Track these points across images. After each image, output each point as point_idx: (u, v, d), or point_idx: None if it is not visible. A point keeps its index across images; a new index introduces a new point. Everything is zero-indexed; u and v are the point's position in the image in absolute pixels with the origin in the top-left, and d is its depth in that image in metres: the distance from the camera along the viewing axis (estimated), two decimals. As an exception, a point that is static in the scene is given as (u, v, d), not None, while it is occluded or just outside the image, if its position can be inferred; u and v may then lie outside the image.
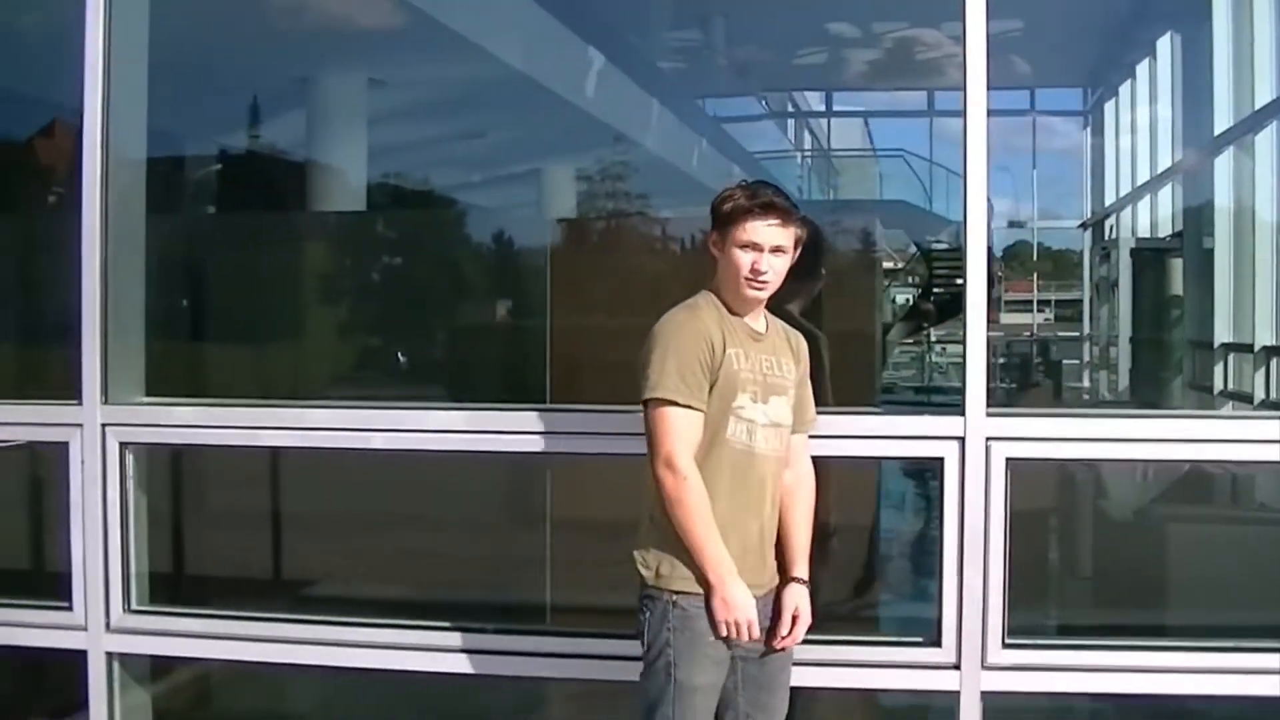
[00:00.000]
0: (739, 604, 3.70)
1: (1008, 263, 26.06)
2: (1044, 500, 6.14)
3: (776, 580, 3.96)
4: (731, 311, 3.85)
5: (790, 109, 19.64)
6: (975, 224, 4.69)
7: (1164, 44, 14.43)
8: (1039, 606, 6.17)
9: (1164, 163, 14.72)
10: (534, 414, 4.89)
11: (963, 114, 4.71)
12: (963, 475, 4.63)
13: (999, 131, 21.20)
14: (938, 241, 17.22)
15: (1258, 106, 11.90)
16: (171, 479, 5.73)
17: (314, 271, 7.42)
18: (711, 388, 3.73)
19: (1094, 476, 6.24)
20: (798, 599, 3.94)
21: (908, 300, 18.17)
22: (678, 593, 3.74)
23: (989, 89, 4.72)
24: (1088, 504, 6.40)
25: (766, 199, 3.81)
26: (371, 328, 7.55)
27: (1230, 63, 12.54)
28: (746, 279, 3.78)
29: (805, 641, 4.08)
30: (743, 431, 3.78)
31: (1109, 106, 17.19)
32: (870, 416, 4.84)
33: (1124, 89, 16.27)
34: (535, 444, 4.87)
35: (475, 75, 9.66)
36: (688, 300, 3.89)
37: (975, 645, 4.64)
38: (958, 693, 4.66)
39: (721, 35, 14.89)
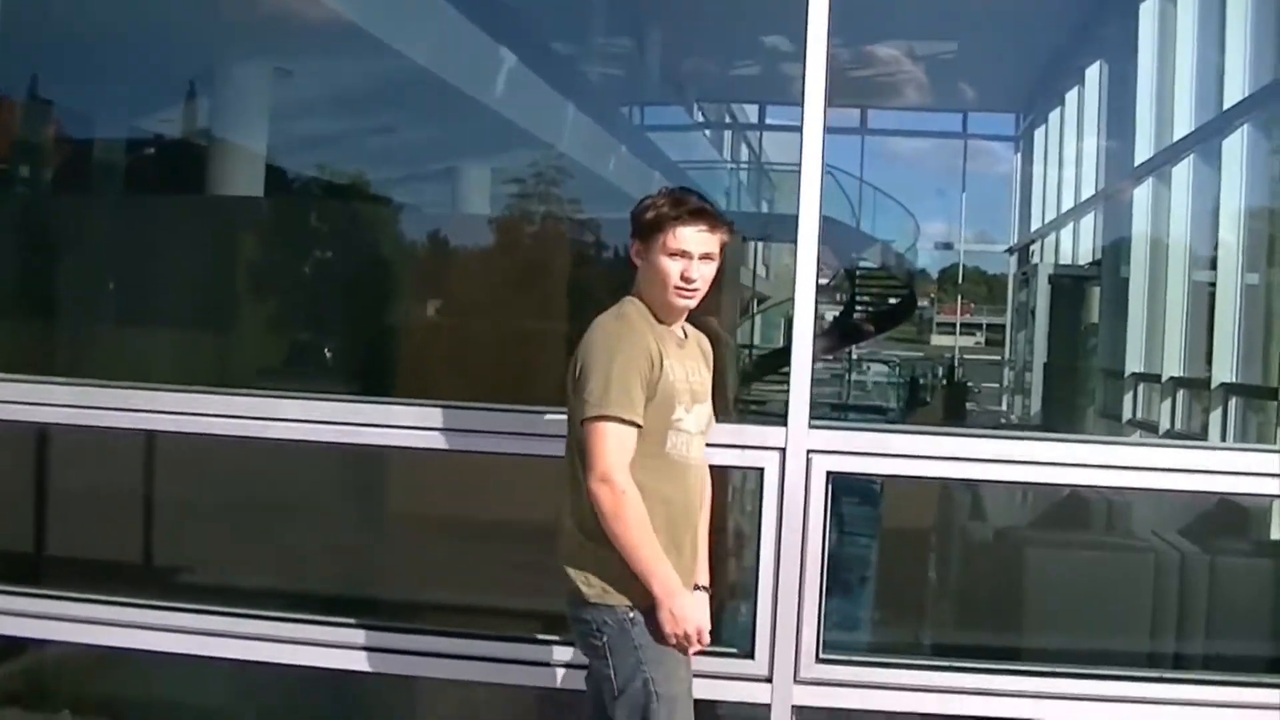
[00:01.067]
0: (689, 615, 3.66)
1: (941, 285, 26.10)
2: (919, 519, 6.15)
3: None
4: (658, 320, 3.81)
5: (724, 121, 19.62)
6: (806, 240, 4.67)
7: (1093, 72, 14.47)
8: (902, 624, 6.20)
9: (1088, 190, 14.79)
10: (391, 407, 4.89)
11: (800, 130, 4.70)
12: (782, 486, 4.60)
13: (936, 153, 21.48)
14: (863, 260, 17.27)
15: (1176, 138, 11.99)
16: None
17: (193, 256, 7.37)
18: (649, 401, 3.68)
19: (972, 497, 6.25)
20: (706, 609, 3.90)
21: (832, 317, 18.15)
22: (632, 606, 3.70)
23: (826, 106, 4.73)
24: (957, 524, 6.38)
25: (694, 205, 3.78)
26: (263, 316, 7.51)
27: (1153, 94, 12.61)
28: (677, 288, 3.74)
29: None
30: (681, 444, 3.77)
31: (1039, 133, 17.27)
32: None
33: (1054, 116, 16.34)
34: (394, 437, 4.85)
35: (386, 72, 9.58)
36: (614, 308, 3.84)
37: (788, 659, 4.64)
38: (769, 706, 4.63)
39: (655, 43, 14.95)
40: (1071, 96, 15.46)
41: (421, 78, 9.74)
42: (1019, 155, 18.48)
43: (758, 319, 21.34)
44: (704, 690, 4.60)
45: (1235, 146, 10.52)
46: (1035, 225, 17.32)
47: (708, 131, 19.50)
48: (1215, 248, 11.19)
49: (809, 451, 4.61)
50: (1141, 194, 13.08)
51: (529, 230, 9.61)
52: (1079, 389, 14.09)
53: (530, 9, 11.14)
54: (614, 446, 3.62)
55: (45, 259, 7.16)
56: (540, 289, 7.35)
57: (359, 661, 4.85)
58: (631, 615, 3.69)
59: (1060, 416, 14.23)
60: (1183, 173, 12.07)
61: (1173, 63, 12.13)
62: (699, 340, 4.02)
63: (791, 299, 4.63)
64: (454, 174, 12.15)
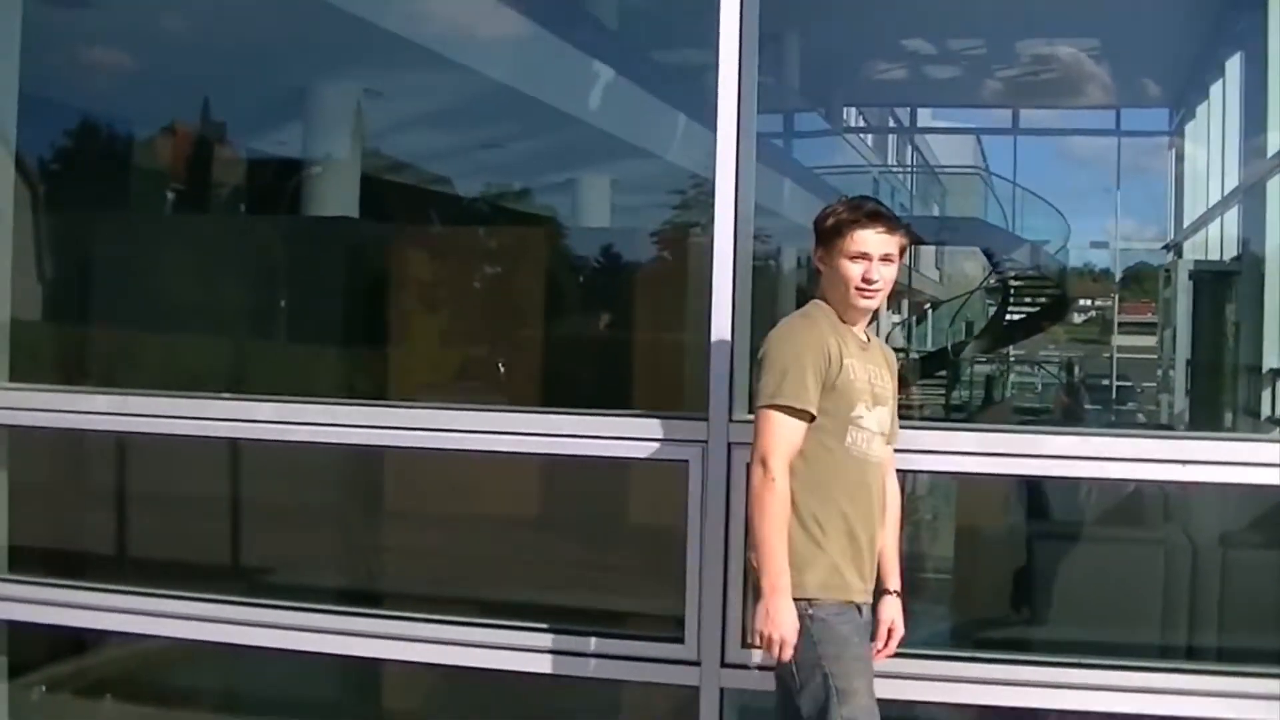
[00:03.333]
0: (782, 621, 3.71)
1: (1128, 285, 25.53)
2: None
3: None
4: (842, 320, 3.96)
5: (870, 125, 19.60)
6: (723, 237, 4.87)
7: (1233, 64, 14.13)
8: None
9: (1232, 184, 14.44)
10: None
11: (715, 130, 4.89)
12: (704, 478, 4.79)
13: (1119, 151, 21.03)
14: (1011, 261, 17.09)
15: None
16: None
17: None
18: (829, 394, 3.83)
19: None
20: (893, 612, 4.06)
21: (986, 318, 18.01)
22: (811, 601, 3.80)
23: (741, 104, 4.90)
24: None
25: (871, 208, 3.94)
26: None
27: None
28: (859, 289, 3.88)
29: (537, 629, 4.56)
30: (862, 440, 3.88)
31: (1190, 127, 16.86)
32: (616, 418, 5.03)
33: (1200, 109, 15.96)
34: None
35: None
36: (799, 310, 4.04)
37: (715, 643, 4.82)
38: (698, 688, 4.83)
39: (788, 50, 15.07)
40: (1216, 89, 15.09)
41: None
42: (1173, 151, 18.04)
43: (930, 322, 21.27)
44: (637, 672, 4.93)
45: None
46: (1188, 221, 16.92)
47: (868, 137, 19.52)
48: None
49: (730, 444, 4.78)
50: (1275, 185, 12.74)
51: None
52: (1221, 386, 13.74)
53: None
54: (778, 433, 3.80)
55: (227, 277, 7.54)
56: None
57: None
58: (810, 612, 3.78)
59: (1202, 415, 13.92)
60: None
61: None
62: (883, 347, 4.17)
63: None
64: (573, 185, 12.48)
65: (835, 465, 3.85)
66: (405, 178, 11.38)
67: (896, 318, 22.42)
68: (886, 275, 3.92)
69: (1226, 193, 14.66)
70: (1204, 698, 4.60)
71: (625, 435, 4.97)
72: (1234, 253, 14.55)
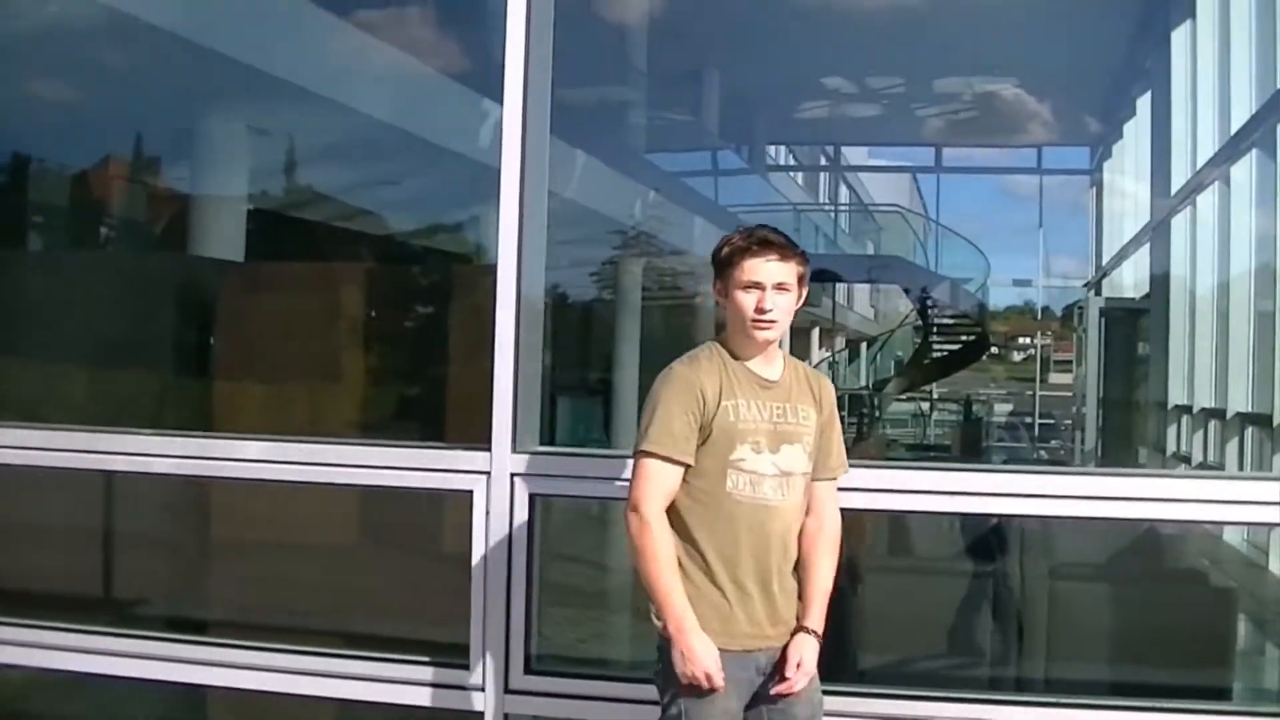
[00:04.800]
0: (696, 656, 3.61)
1: (1046, 321, 25.79)
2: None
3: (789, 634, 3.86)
4: (737, 357, 3.82)
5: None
6: (506, 267, 4.96)
7: (1143, 102, 14.35)
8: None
9: (1144, 221, 14.64)
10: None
11: (499, 151, 4.97)
12: (488, 509, 4.88)
13: (1041, 189, 21.26)
14: (929, 298, 17.25)
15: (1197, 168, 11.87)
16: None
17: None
18: (706, 440, 3.74)
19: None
20: (801, 649, 3.78)
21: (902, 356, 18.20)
22: None
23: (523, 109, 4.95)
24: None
25: (763, 236, 3.78)
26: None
27: (1189, 121, 12.49)
28: (753, 320, 3.74)
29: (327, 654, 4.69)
30: (745, 483, 3.74)
31: (1107, 165, 17.09)
32: (400, 448, 5.12)
33: (1117, 147, 16.18)
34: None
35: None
36: (692, 350, 3.90)
37: (499, 669, 4.91)
38: (482, 713, 4.92)
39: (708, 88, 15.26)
40: (1129, 128, 15.30)
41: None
42: (1093, 189, 18.25)
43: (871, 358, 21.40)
44: (425, 698, 4.99)
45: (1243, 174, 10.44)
46: (1107, 259, 17.13)
47: (798, 176, 19.67)
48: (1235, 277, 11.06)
49: (513, 475, 4.87)
50: (1178, 224, 12.94)
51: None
52: (1130, 422, 13.91)
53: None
54: (649, 479, 3.71)
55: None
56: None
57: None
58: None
59: (1113, 451, 14.07)
60: (1206, 203, 11.95)
61: (1195, 89, 12.03)
62: (809, 382, 3.96)
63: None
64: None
65: (716, 508, 3.74)
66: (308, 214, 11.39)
67: (825, 354, 22.68)
68: (782, 304, 3.77)
69: (1138, 230, 14.85)
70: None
71: (409, 465, 5.06)
72: (1145, 290, 14.74)
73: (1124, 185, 15.79)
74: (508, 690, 4.90)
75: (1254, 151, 10.00)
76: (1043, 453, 20.14)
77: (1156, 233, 13.59)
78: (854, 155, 21.28)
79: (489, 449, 4.90)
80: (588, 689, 4.93)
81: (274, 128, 9.63)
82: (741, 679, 3.75)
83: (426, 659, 5.05)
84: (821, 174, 20.61)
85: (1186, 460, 11.99)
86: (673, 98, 14.91)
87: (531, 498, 4.89)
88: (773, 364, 3.88)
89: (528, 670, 4.91)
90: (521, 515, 4.87)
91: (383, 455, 5.09)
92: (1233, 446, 10.56)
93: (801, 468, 3.84)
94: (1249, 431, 10.19)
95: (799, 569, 3.88)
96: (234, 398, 6.84)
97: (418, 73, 9.97)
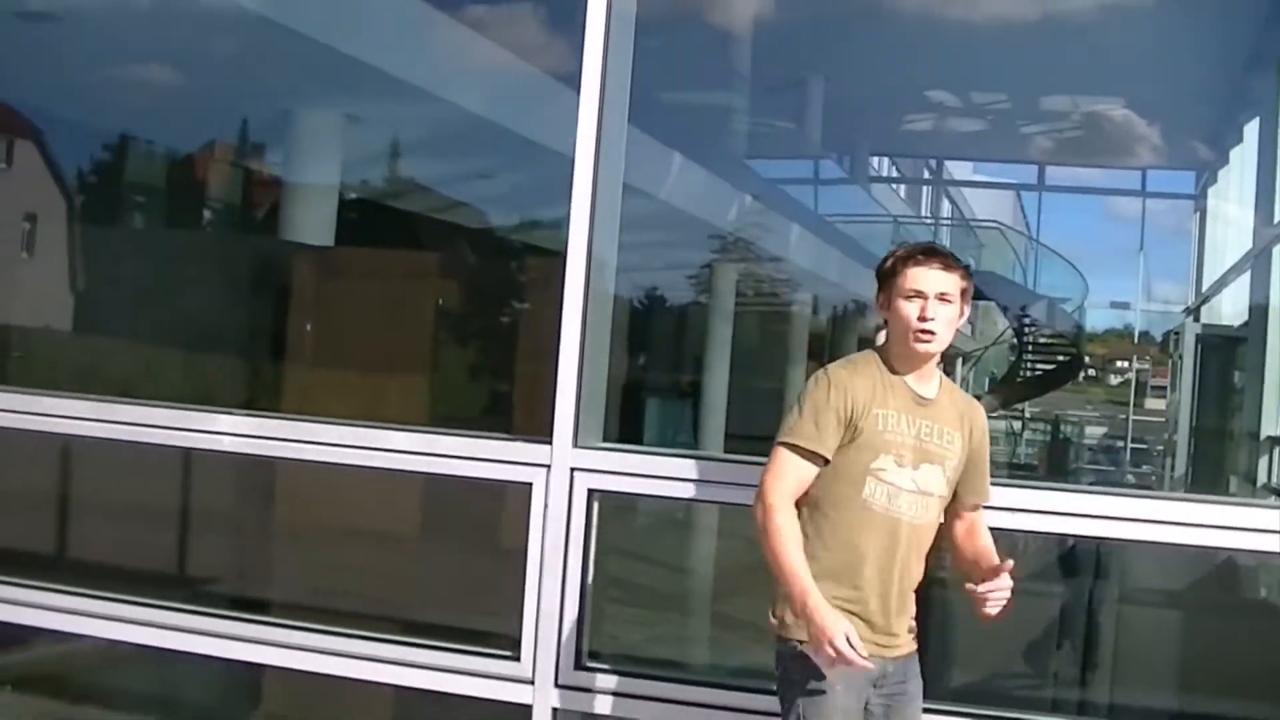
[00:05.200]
0: (830, 623, 3.52)
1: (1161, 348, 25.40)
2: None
3: (908, 649, 3.86)
4: (895, 371, 3.79)
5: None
6: (575, 267, 4.99)
7: (1251, 128, 14.10)
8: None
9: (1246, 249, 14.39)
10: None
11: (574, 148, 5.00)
12: (546, 502, 4.92)
13: (1144, 212, 21.00)
14: (1026, 317, 17.09)
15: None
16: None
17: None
18: (850, 444, 3.70)
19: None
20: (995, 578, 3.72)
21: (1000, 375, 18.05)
22: (800, 641, 3.68)
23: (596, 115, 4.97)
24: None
25: (926, 246, 3.81)
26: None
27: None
28: (916, 332, 3.69)
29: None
30: (881, 494, 3.71)
31: (1212, 190, 16.81)
32: (459, 437, 5.17)
33: (1223, 173, 15.92)
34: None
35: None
36: (849, 355, 3.93)
37: (550, 663, 4.94)
38: (530, 707, 4.95)
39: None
40: (1236, 153, 15.04)
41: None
42: (1197, 214, 17.97)
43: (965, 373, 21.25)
44: (473, 688, 5.04)
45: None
46: (1206, 286, 16.86)
47: (900, 189, 19.57)
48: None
49: (572, 469, 4.91)
50: (1279, 252, 12.69)
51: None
52: (1223, 452, 13.67)
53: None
54: (782, 468, 3.70)
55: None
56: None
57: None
58: (799, 650, 3.68)
59: (1202, 478, 13.85)
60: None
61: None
62: (964, 409, 3.93)
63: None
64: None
65: (848, 514, 3.71)
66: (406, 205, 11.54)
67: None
68: (944, 315, 3.70)
69: (1239, 257, 14.60)
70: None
71: (469, 455, 5.11)
72: (1244, 319, 14.48)
73: (1228, 212, 15.48)
74: (558, 685, 4.93)
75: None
76: (1130, 477, 19.88)
77: (1257, 261, 13.33)
78: (958, 171, 21.13)
79: (550, 442, 4.93)
80: (639, 688, 4.94)
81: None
82: (859, 679, 3.69)
83: (478, 649, 5.11)
84: (924, 188, 20.40)
85: (1277, 493, 11.75)
86: (776, 105, 14.88)
87: (590, 493, 4.92)
88: (930, 382, 3.83)
89: (578, 666, 4.94)
90: (580, 510, 4.91)
91: (445, 444, 5.15)
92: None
93: (939, 490, 3.81)
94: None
95: (975, 568, 3.85)
96: (309, 381, 6.93)
97: (515, 69, 10.00)
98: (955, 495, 3.90)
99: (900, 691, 3.82)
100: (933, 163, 20.40)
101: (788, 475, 3.70)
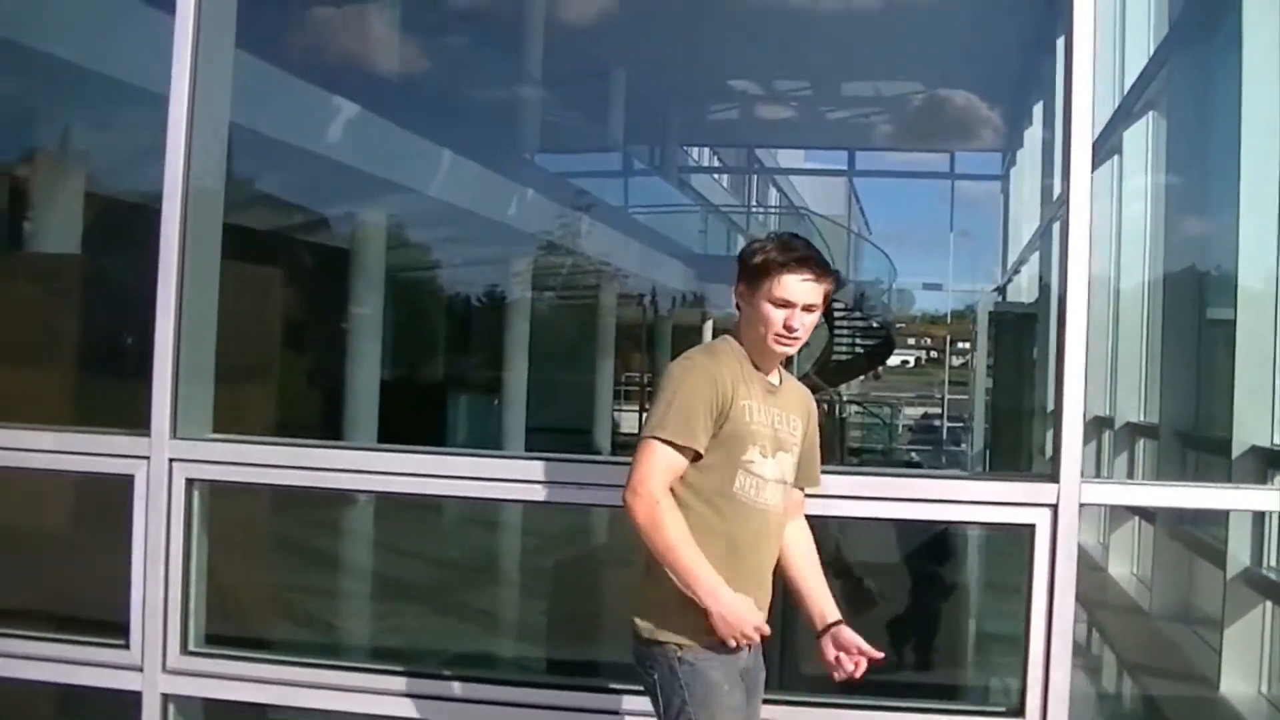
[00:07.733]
0: (739, 613, 3.54)
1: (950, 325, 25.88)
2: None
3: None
4: (752, 363, 3.74)
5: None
6: (168, 248, 5.00)
7: (1038, 110, 14.43)
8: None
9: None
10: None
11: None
12: (147, 491, 4.98)
13: (953, 194, 21.33)
14: (836, 302, 17.30)
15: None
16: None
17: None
18: (718, 436, 3.63)
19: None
20: (849, 635, 3.75)
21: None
22: (681, 645, 3.63)
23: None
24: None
25: (801, 254, 3.66)
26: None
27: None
28: (777, 335, 3.65)
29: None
30: (751, 486, 3.67)
31: (1014, 172, 17.17)
32: (60, 433, 5.16)
33: (1021, 154, 16.26)
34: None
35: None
36: (707, 343, 3.90)
37: (157, 650, 5.00)
38: (140, 693, 5.01)
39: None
40: (1029, 135, 15.36)
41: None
42: (1003, 196, 18.32)
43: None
44: (83, 677, 5.06)
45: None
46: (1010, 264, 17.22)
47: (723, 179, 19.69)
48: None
49: (171, 460, 4.97)
50: (1058, 230, 12.93)
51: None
52: (1020, 427, 13.93)
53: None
54: (655, 463, 3.58)
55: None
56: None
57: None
58: (680, 655, 3.60)
59: (1000, 454, 14.09)
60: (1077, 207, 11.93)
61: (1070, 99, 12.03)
62: (802, 395, 3.93)
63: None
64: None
65: (721, 509, 3.65)
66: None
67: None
68: (807, 323, 3.67)
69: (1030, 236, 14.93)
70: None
71: (69, 450, 5.13)
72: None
73: (1023, 192, 15.83)
74: (166, 670, 4.99)
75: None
76: (943, 456, 20.13)
77: (1043, 239, 13.64)
78: (787, 160, 21.32)
79: (149, 434, 4.98)
80: (250, 671, 5.02)
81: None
82: (740, 673, 3.71)
83: (88, 639, 5.13)
84: (746, 176, 20.58)
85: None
86: (574, 99, 14.97)
87: (189, 482, 4.98)
88: (775, 370, 3.83)
89: (185, 651, 5.00)
90: (179, 500, 4.97)
91: (41, 440, 5.13)
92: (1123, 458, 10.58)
93: (790, 476, 3.82)
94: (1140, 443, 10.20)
95: (798, 571, 3.88)
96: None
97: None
98: None
99: (755, 682, 3.82)
100: (758, 152, 20.56)
101: (660, 469, 3.59)
